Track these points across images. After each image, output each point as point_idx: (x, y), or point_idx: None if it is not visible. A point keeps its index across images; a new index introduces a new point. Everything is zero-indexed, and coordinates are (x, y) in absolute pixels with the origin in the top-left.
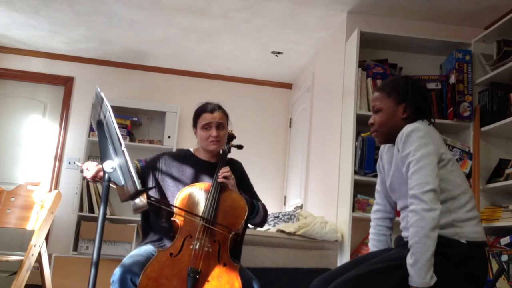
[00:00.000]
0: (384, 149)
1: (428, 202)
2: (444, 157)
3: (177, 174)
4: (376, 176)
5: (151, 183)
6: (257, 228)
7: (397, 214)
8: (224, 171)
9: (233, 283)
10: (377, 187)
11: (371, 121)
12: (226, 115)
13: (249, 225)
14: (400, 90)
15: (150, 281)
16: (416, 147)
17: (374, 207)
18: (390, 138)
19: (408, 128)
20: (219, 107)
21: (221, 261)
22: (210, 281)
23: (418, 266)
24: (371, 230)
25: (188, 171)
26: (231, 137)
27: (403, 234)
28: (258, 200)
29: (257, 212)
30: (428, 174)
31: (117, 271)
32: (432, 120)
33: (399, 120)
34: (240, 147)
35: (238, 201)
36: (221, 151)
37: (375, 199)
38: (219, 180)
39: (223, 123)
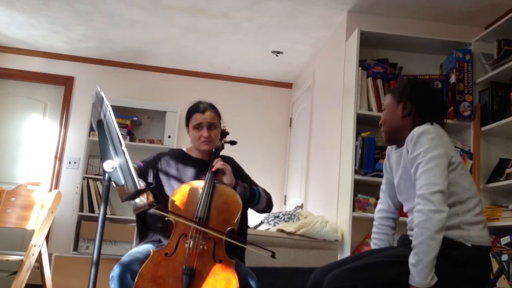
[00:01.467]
0: (392, 149)
1: (436, 203)
2: (453, 160)
3: (174, 173)
4: (376, 175)
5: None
6: (259, 224)
7: (401, 214)
8: (217, 161)
9: (229, 280)
10: (382, 187)
11: (380, 121)
12: (218, 115)
13: (252, 223)
14: (401, 90)
15: (146, 281)
16: (426, 149)
17: (378, 207)
18: (394, 137)
19: (418, 129)
20: (211, 107)
21: (217, 258)
22: (206, 278)
23: (420, 267)
24: (374, 229)
25: (183, 170)
26: (224, 133)
27: (409, 233)
28: (257, 186)
29: (259, 198)
30: (437, 176)
31: (117, 268)
32: (442, 122)
33: (398, 119)
34: (233, 143)
35: (232, 197)
36: (213, 149)
37: (379, 198)
38: (214, 169)
39: (214, 123)
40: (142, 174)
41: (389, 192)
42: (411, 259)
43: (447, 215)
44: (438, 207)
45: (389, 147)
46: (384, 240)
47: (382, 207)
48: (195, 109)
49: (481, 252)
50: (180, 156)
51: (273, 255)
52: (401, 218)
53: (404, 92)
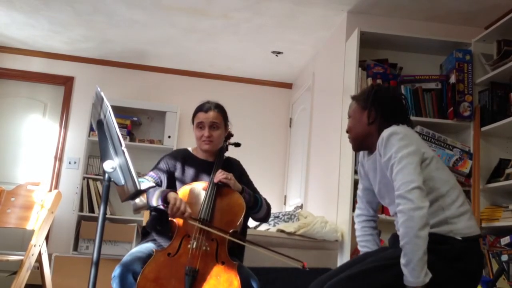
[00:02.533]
0: (364, 156)
1: (415, 201)
2: (426, 156)
3: (178, 174)
4: None
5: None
6: (259, 224)
7: (387, 213)
8: (219, 175)
9: (231, 281)
10: (359, 193)
11: (346, 129)
12: (222, 115)
13: (252, 224)
14: (365, 98)
15: (148, 281)
16: (396, 149)
17: (357, 212)
18: (361, 144)
19: (386, 132)
20: (216, 107)
21: (219, 259)
22: (209, 280)
23: (411, 266)
24: (357, 233)
25: (187, 171)
26: (229, 135)
27: (399, 233)
28: (260, 195)
29: (260, 206)
30: (411, 173)
31: (118, 267)
32: (407, 122)
33: (364, 126)
34: (237, 144)
35: (236, 199)
36: (218, 150)
37: (357, 203)
38: (216, 181)
39: (217, 123)
40: (161, 182)
41: (366, 198)
42: (402, 260)
43: (433, 211)
44: (417, 204)
45: (361, 155)
46: (370, 241)
47: (361, 212)
48: (200, 108)
49: (472, 243)
50: (183, 156)
51: (303, 267)
52: (382, 217)
53: (367, 99)
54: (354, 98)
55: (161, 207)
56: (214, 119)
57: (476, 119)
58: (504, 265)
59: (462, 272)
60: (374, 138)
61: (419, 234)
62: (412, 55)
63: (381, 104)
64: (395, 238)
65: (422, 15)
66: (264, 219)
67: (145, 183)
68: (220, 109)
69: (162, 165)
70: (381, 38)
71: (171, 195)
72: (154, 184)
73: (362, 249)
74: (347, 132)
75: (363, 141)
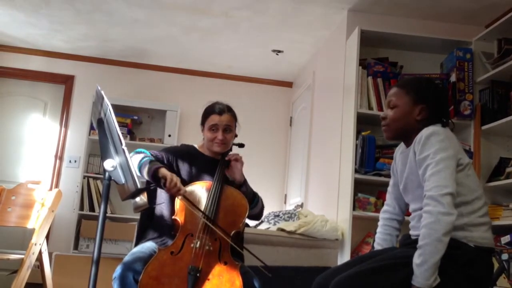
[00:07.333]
0: (398, 151)
1: (446, 206)
2: (462, 161)
3: (184, 171)
4: (376, 174)
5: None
6: (259, 223)
7: (407, 215)
8: (235, 155)
9: (233, 281)
10: (389, 189)
11: (383, 115)
12: (234, 118)
13: (252, 223)
14: (420, 91)
15: (151, 279)
16: (435, 150)
17: (384, 207)
18: (399, 135)
19: (427, 131)
20: (229, 109)
21: (222, 259)
22: (211, 279)
23: (425, 267)
24: (378, 229)
25: (193, 169)
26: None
27: (412, 232)
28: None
29: (256, 202)
30: (447, 178)
31: (119, 268)
32: (449, 123)
33: (412, 120)
34: (241, 145)
35: (239, 199)
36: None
37: (386, 200)
38: (233, 158)
39: (230, 126)
40: (158, 160)
41: (395, 194)
42: (416, 260)
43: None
44: (447, 210)
45: (396, 150)
46: (387, 240)
47: (387, 208)
48: (212, 109)
49: (483, 253)
50: (189, 154)
51: (268, 271)
52: (407, 218)
53: (423, 93)
54: (403, 87)
55: (145, 176)
56: (228, 122)
57: (476, 118)
58: (504, 264)
59: (469, 278)
60: (416, 133)
61: (441, 239)
62: (412, 53)
63: (437, 101)
64: (406, 238)
65: (422, 14)
66: (257, 216)
67: (141, 154)
68: (232, 112)
69: (165, 158)
70: (381, 37)
71: (163, 170)
72: (149, 155)
73: (377, 246)
74: (384, 118)
75: (402, 134)
